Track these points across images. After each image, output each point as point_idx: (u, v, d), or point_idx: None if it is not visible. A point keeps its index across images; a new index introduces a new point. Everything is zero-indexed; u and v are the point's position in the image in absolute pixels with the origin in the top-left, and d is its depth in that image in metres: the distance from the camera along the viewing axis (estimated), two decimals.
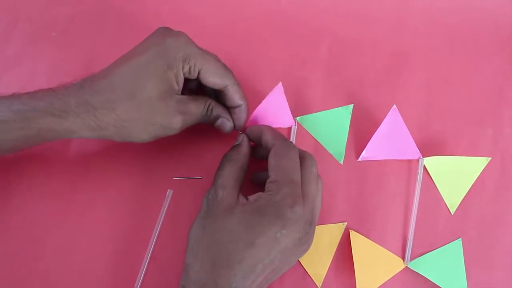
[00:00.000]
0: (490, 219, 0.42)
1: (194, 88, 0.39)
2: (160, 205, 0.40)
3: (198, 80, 0.37)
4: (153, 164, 0.41)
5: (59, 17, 0.45)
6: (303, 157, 0.34)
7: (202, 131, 0.42)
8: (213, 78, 0.36)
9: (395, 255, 0.40)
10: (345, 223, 0.40)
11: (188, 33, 0.44)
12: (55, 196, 0.40)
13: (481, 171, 0.42)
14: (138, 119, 0.33)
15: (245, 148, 0.36)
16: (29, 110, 0.32)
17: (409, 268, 0.40)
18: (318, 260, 0.39)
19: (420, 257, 0.40)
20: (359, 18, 0.48)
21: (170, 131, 0.35)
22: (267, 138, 0.36)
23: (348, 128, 0.43)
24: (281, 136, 0.36)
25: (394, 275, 0.39)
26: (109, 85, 0.33)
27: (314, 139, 0.43)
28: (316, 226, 0.39)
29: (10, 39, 0.44)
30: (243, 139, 0.37)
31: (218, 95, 0.39)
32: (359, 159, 0.42)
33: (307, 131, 0.43)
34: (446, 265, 0.40)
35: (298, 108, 0.44)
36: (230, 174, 0.34)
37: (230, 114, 0.39)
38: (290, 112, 0.41)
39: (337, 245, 0.40)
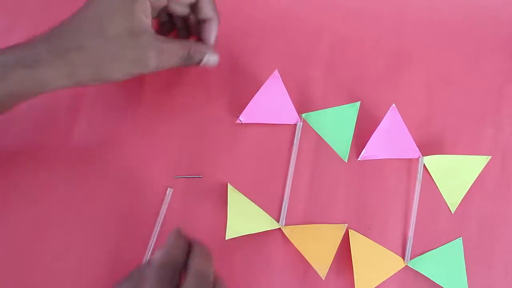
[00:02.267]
0: (490, 217, 0.42)
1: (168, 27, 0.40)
2: (160, 203, 0.40)
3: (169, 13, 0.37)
4: (153, 162, 0.41)
5: (59, 16, 0.45)
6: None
7: (204, 129, 0.42)
8: None
9: (395, 254, 0.40)
10: (346, 225, 0.40)
11: None
12: (54, 192, 0.40)
13: (481, 170, 0.42)
14: (108, 55, 0.33)
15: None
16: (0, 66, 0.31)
17: (409, 267, 0.40)
18: (321, 254, 0.39)
19: (420, 256, 0.40)
20: (359, 16, 0.48)
21: (144, 68, 0.34)
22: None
23: (354, 125, 0.43)
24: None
25: (394, 274, 0.39)
26: (76, 26, 0.33)
27: (319, 136, 0.43)
28: (318, 225, 0.40)
29: (9, 38, 0.44)
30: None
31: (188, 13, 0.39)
32: (359, 159, 0.42)
33: (312, 128, 0.43)
34: (446, 264, 0.40)
35: (300, 105, 0.43)
36: None
37: (201, 30, 0.38)
38: (293, 106, 0.42)
39: (339, 243, 0.40)
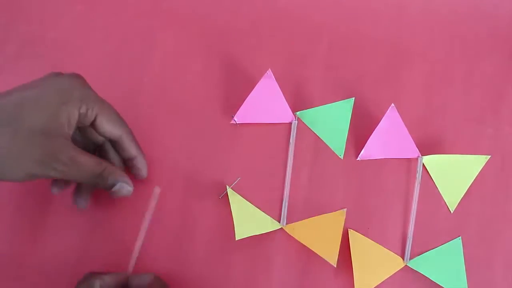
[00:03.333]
0: (490, 217, 0.42)
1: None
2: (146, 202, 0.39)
3: (91, 135, 0.35)
4: (148, 164, 0.41)
5: (57, 18, 0.45)
6: None
7: (199, 130, 0.42)
8: (109, 126, 0.33)
9: (395, 254, 0.40)
10: (345, 209, 0.40)
11: (186, 31, 0.45)
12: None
13: (480, 169, 0.42)
14: (12, 150, 0.28)
15: None
16: None
17: (409, 267, 0.40)
18: (327, 243, 0.39)
19: (420, 255, 0.40)
20: (358, 15, 0.48)
21: (49, 171, 0.30)
22: None
23: (349, 122, 0.43)
24: None
25: (393, 274, 0.39)
26: None
27: (314, 134, 0.43)
28: (318, 217, 0.40)
29: (8, 39, 0.44)
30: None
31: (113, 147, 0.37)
32: (358, 158, 0.42)
33: (307, 126, 0.43)
34: (446, 264, 0.40)
35: (298, 104, 0.43)
36: None
37: (129, 167, 0.37)
38: (287, 105, 0.42)
39: (342, 229, 0.39)
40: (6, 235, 0.39)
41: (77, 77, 0.33)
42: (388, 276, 0.39)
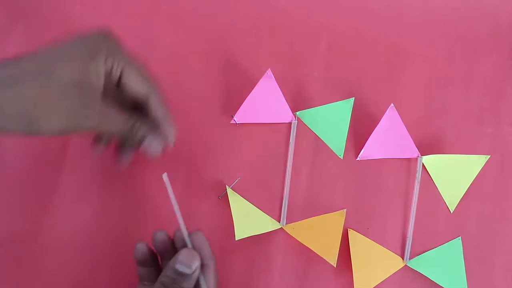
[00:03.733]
0: (489, 217, 0.42)
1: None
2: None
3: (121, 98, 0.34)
4: (149, 165, 0.41)
5: (57, 18, 0.45)
6: None
7: (199, 130, 0.42)
8: (134, 83, 0.32)
9: (394, 254, 0.40)
10: (345, 210, 0.41)
11: (186, 30, 0.45)
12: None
13: (480, 169, 0.42)
14: (45, 100, 0.28)
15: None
16: None
17: (409, 267, 0.40)
18: (327, 243, 0.39)
19: (420, 255, 0.40)
20: (358, 15, 0.48)
21: (81, 123, 0.30)
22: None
23: (349, 122, 0.43)
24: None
25: (393, 274, 0.39)
26: (16, 62, 0.29)
27: (314, 134, 0.43)
28: (318, 217, 0.40)
29: (8, 39, 0.44)
30: (197, 267, 0.32)
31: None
32: (358, 158, 0.42)
33: (307, 126, 0.43)
34: (445, 264, 0.40)
35: (297, 104, 0.44)
36: None
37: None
38: (287, 105, 0.42)
39: (341, 229, 0.40)
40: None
41: (106, 33, 0.32)
42: (387, 276, 0.39)
